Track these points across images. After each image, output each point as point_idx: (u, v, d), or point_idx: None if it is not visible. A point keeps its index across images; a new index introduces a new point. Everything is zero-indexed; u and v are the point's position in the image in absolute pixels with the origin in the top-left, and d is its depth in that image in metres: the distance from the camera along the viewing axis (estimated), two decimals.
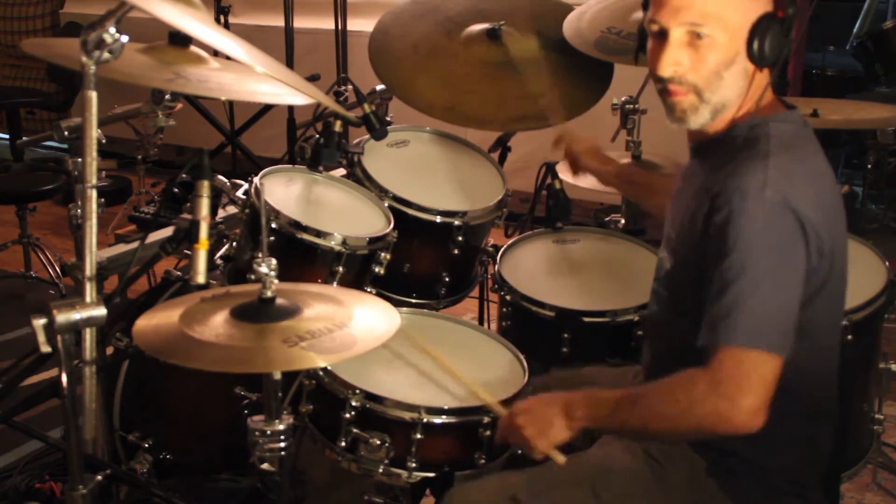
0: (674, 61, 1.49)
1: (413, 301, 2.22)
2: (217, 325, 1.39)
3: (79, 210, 1.60)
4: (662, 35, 1.51)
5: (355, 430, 1.69)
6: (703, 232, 1.48)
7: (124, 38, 1.31)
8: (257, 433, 1.44)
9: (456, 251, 2.22)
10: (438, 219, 2.18)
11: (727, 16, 1.46)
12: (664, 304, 1.66)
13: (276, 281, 1.42)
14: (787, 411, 1.45)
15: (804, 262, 1.43)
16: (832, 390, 1.61)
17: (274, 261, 1.41)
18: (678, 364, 1.51)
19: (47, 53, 1.84)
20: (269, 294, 1.42)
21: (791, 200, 1.42)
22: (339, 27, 4.26)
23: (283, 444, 1.45)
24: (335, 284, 1.97)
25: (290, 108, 4.03)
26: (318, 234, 1.95)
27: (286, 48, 4.16)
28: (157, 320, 1.43)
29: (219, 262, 2.10)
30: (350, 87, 2.44)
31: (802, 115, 1.58)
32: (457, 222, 2.19)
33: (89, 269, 1.34)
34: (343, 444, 1.72)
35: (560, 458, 1.53)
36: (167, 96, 1.87)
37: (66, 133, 1.81)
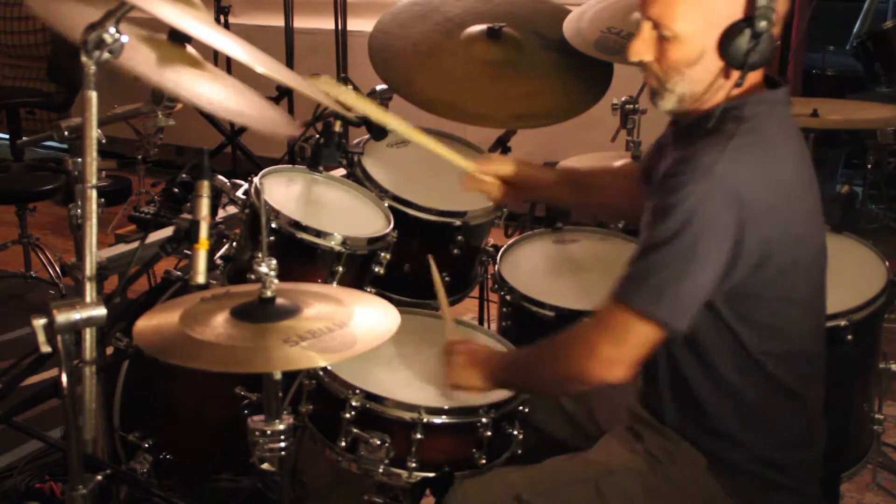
0: (637, 51, 1.52)
1: (413, 301, 2.22)
2: (217, 325, 1.39)
3: (79, 210, 1.60)
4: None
5: (355, 430, 1.69)
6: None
7: (124, 38, 1.32)
8: (257, 433, 1.44)
9: (456, 251, 2.21)
10: (438, 219, 2.17)
11: (693, 17, 1.45)
12: None
13: (276, 281, 1.42)
14: (783, 406, 1.52)
15: (730, 247, 1.42)
16: (817, 384, 1.60)
17: (274, 261, 1.41)
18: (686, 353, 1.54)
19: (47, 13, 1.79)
20: (269, 294, 1.42)
21: (738, 182, 1.41)
22: (339, 27, 4.26)
23: (283, 444, 1.45)
24: (335, 284, 1.97)
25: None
26: (318, 234, 1.95)
27: (286, 48, 4.16)
28: (157, 320, 1.43)
29: (219, 262, 2.09)
30: (350, 87, 2.43)
31: (785, 93, 1.54)
32: (457, 222, 2.19)
33: (89, 269, 1.34)
34: (343, 444, 1.72)
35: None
36: (167, 96, 1.87)
37: (66, 133, 1.81)
